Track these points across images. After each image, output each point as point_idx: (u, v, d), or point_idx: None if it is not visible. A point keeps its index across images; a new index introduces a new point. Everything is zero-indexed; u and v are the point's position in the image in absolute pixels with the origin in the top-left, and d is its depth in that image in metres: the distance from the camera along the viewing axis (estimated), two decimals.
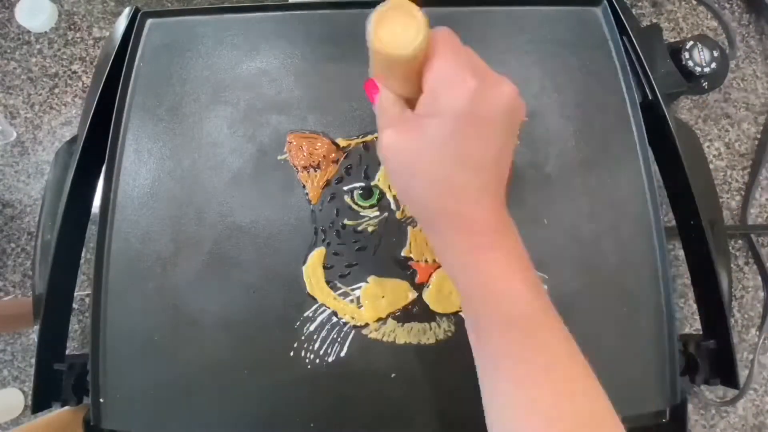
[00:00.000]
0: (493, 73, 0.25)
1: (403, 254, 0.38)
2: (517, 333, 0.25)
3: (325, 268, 0.39)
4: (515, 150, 0.25)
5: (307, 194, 0.40)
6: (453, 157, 0.24)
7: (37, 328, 0.40)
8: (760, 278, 0.54)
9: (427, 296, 0.38)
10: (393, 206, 0.39)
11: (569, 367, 0.25)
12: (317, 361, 0.38)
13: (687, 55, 0.49)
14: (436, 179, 0.24)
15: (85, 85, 0.57)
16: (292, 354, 0.38)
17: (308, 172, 0.40)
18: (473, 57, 0.26)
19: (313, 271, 0.39)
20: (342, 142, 0.41)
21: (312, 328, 0.38)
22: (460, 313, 0.38)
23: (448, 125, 0.23)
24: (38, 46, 0.58)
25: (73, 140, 0.43)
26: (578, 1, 0.45)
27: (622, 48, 0.43)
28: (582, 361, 0.26)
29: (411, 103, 0.26)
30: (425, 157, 0.24)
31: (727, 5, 0.60)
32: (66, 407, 0.40)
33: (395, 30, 0.24)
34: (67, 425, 0.39)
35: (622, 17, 0.44)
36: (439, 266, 0.38)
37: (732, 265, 0.53)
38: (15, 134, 0.56)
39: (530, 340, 0.25)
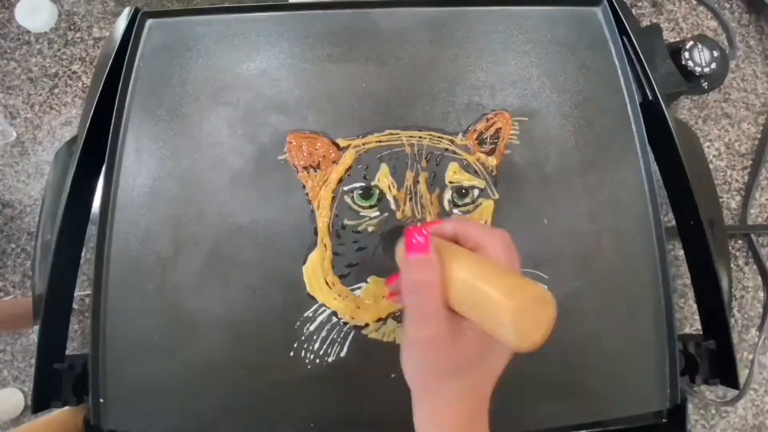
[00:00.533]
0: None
1: None
2: None
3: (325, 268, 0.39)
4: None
5: (307, 194, 0.40)
6: (486, 367, 0.26)
7: (37, 328, 0.40)
8: (760, 278, 0.54)
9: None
10: (393, 206, 0.39)
11: None
12: (317, 361, 0.38)
13: (687, 55, 0.49)
14: (466, 384, 0.26)
15: (85, 85, 0.57)
16: (292, 354, 0.38)
17: (308, 172, 0.40)
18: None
19: (313, 271, 0.39)
20: (342, 142, 0.41)
21: (312, 328, 0.38)
22: None
23: (494, 345, 0.25)
24: (38, 46, 0.58)
25: (73, 140, 0.43)
26: (578, 1, 0.45)
27: (622, 48, 0.43)
28: None
29: None
30: (469, 363, 0.26)
31: (727, 5, 0.60)
32: (66, 407, 0.40)
33: (532, 319, 0.23)
34: (67, 425, 0.39)
35: (622, 17, 0.44)
36: None
37: (732, 265, 0.53)
38: (15, 134, 0.56)
39: None
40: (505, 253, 0.26)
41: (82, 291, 0.51)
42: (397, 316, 0.38)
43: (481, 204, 0.40)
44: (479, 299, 0.24)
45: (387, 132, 0.41)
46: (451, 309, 0.25)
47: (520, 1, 0.45)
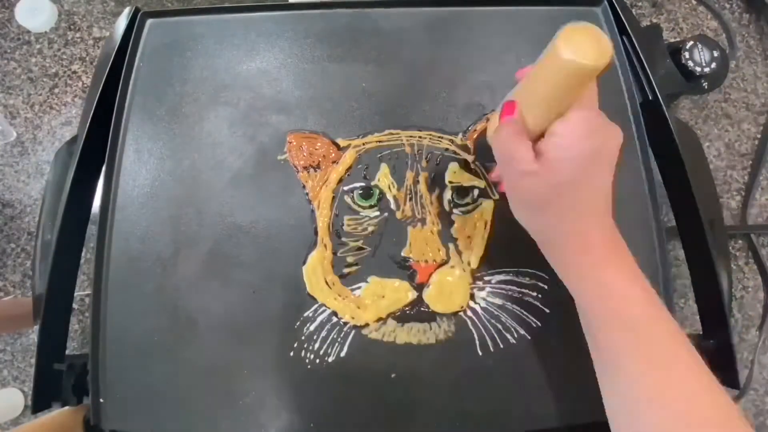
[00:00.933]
0: (607, 119, 0.29)
1: (403, 254, 0.38)
2: (638, 332, 0.28)
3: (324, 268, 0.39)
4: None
5: (307, 194, 0.40)
6: (582, 189, 0.28)
7: (37, 328, 0.40)
8: (760, 278, 0.54)
9: (427, 296, 0.38)
10: (393, 206, 0.39)
11: (689, 365, 0.27)
12: (317, 361, 0.38)
13: (687, 55, 0.49)
14: (567, 208, 0.29)
15: (85, 85, 0.57)
16: (292, 354, 0.38)
17: (308, 172, 0.40)
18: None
19: (313, 271, 0.39)
20: (342, 142, 0.41)
21: (312, 328, 0.38)
22: (460, 314, 0.38)
23: (579, 167, 0.28)
24: (38, 46, 0.58)
25: (73, 140, 0.43)
26: (578, 1, 0.45)
27: (622, 48, 0.43)
28: (698, 359, 0.27)
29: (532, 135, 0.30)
30: (558, 191, 0.28)
31: (727, 5, 0.60)
32: (66, 407, 0.40)
33: (583, 47, 0.27)
34: (66, 425, 0.39)
35: (622, 17, 0.44)
36: (439, 266, 0.38)
37: (732, 265, 0.53)
38: (15, 134, 0.56)
39: (650, 339, 0.27)
40: None
41: (82, 291, 0.51)
42: (397, 316, 0.38)
43: (481, 204, 0.40)
44: (543, 71, 0.29)
45: (387, 132, 0.41)
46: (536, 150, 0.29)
47: (520, 1, 0.45)
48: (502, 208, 0.40)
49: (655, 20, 0.59)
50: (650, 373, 0.27)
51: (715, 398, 0.26)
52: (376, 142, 0.41)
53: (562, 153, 0.28)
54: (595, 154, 0.28)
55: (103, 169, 0.41)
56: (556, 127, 0.28)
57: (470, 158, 0.41)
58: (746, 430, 0.26)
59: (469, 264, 0.39)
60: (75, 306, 0.51)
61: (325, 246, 0.39)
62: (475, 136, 0.41)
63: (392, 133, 0.41)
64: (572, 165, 0.28)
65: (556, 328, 0.38)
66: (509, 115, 0.30)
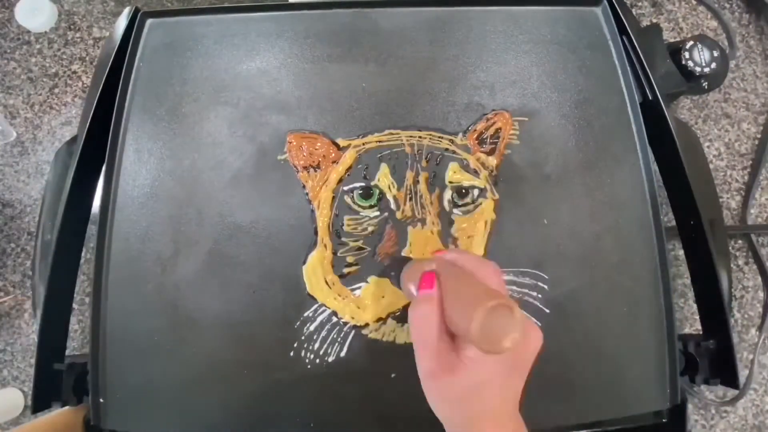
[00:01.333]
0: (530, 322, 0.28)
1: (403, 254, 0.38)
2: None
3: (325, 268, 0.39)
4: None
5: (307, 194, 0.40)
6: (495, 392, 0.27)
7: (37, 328, 0.40)
8: (760, 278, 0.54)
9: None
10: (393, 206, 0.39)
11: None
12: (317, 361, 0.38)
13: (687, 55, 0.48)
14: (475, 411, 0.27)
15: (85, 85, 0.57)
16: (292, 354, 0.38)
17: (308, 172, 0.40)
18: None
19: (313, 271, 0.39)
20: (342, 142, 0.41)
21: (312, 328, 0.38)
22: None
23: (499, 369, 0.27)
24: (38, 46, 0.58)
25: (73, 140, 0.43)
26: (578, 1, 0.45)
27: (622, 48, 0.43)
28: None
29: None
30: (469, 395, 0.27)
31: (727, 5, 0.60)
32: (66, 407, 0.40)
33: (495, 323, 0.24)
34: (66, 425, 0.39)
35: (622, 17, 0.44)
36: None
37: (732, 265, 0.53)
38: (15, 134, 0.56)
39: None
40: (494, 278, 0.28)
41: (82, 291, 0.51)
42: (397, 316, 0.38)
43: (481, 204, 0.40)
44: (463, 303, 0.26)
45: (387, 132, 0.41)
46: (452, 339, 0.27)
47: (520, 1, 0.45)
48: (502, 208, 0.40)
49: (655, 20, 0.59)
50: None
51: None
52: (376, 142, 0.41)
53: (476, 354, 0.27)
54: (516, 357, 0.27)
55: (103, 169, 0.41)
56: None
57: (470, 158, 0.41)
58: None
59: None
60: (75, 306, 0.51)
61: (325, 246, 0.39)
62: (475, 136, 0.41)
63: (392, 133, 0.41)
64: (492, 369, 0.27)
65: (556, 328, 0.39)
66: (428, 289, 0.28)
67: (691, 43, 0.49)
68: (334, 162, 0.40)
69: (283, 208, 0.40)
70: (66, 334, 0.42)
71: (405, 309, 0.38)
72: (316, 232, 0.39)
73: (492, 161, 0.41)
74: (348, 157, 0.40)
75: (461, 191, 0.40)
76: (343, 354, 0.38)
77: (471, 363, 0.27)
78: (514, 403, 0.28)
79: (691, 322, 0.53)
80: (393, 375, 0.38)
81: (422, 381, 0.28)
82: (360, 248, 0.39)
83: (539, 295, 0.39)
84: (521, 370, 0.28)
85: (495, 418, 0.28)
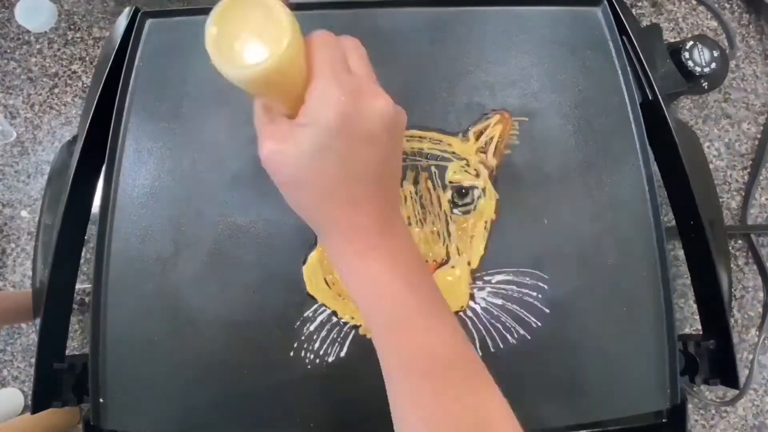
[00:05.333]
0: (371, 85, 0.26)
1: None
2: (397, 336, 0.26)
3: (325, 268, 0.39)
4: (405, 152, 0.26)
5: None
6: (332, 168, 0.24)
7: (37, 328, 0.40)
8: (760, 278, 0.54)
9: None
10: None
11: (450, 370, 0.26)
12: (317, 361, 0.38)
13: (687, 55, 0.49)
14: (319, 190, 0.25)
15: (85, 85, 0.57)
16: (292, 354, 0.38)
17: None
18: (357, 64, 0.26)
19: (313, 271, 0.39)
20: None
21: (312, 328, 0.38)
22: (460, 314, 0.38)
23: (322, 137, 0.24)
24: (38, 46, 0.58)
25: (73, 140, 0.43)
26: (578, 1, 0.45)
27: (622, 48, 0.43)
28: (468, 358, 0.26)
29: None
30: (305, 168, 0.24)
31: (727, 5, 0.60)
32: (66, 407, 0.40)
33: (248, 35, 0.20)
34: (59, 422, 0.39)
35: (622, 17, 0.44)
36: (438, 266, 0.38)
37: (732, 265, 0.53)
38: (15, 134, 0.56)
39: (409, 344, 0.25)
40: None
41: (82, 291, 0.51)
42: None
43: (481, 204, 0.40)
44: None
45: None
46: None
47: (520, 1, 0.45)
48: (502, 208, 0.40)
49: (655, 20, 0.59)
50: (413, 390, 0.26)
51: (478, 408, 0.25)
52: None
53: (302, 119, 0.24)
54: (342, 128, 0.23)
55: (103, 169, 0.41)
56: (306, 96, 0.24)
57: (471, 158, 0.41)
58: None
59: (469, 264, 0.39)
60: (75, 306, 0.51)
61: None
62: (475, 136, 0.41)
63: None
64: (314, 138, 0.23)
65: (556, 328, 0.39)
66: None
67: (691, 43, 0.49)
68: None
69: (283, 208, 0.40)
70: (66, 334, 0.42)
71: None
72: None
73: (492, 161, 0.41)
74: None
75: (461, 191, 0.40)
76: (343, 354, 0.38)
77: (302, 129, 0.24)
78: (374, 184, 0.25)
79: (691, 322, 0.53)
80: None
81: (264, 160, 0.25)
82: None
83: (539, 295, 0.39)
84: (360, 144, 0.24)
85: (348, 199, 0.25)
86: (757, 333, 0.53)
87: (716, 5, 0.59)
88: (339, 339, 0.38)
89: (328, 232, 0.27)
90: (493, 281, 0.39)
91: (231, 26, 0.21)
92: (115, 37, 0.44)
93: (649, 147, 0.42)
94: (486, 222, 0.40)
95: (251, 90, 0.25)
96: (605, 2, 0.44)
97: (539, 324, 0.38)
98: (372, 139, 0.25)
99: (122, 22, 0.44)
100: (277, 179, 0.26)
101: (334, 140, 0.24)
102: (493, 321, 0.38)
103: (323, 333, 0.38)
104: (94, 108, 0.42)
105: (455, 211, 0.40)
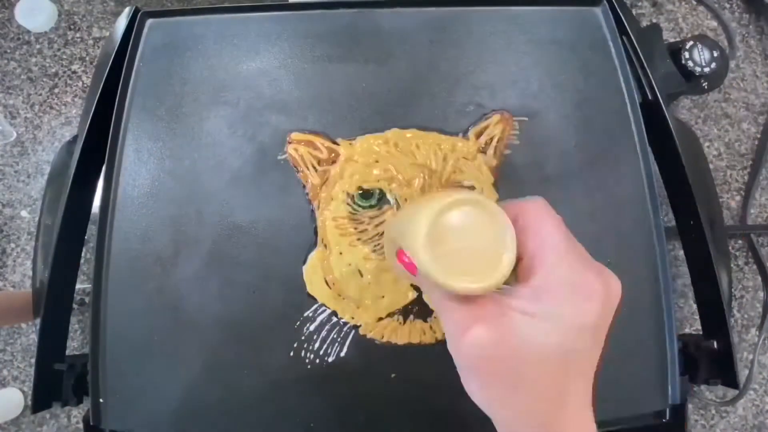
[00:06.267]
0: (596, 261, 0.21)
1: None
2: None
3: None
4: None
5: (307, 194, 0.40)
6: (572, 370, 0.20)
7: (37, 328, 0.40)
8: (760, 278, 0.54)
9: (427, 296, 0.38)
10: (393, 206, 0.39)
11: None
12: (317, 361, 0.38)
13: (687, 55, 0.48)
14: (547, 394, 0.20)
15: (85, 85, 0.57)
16: (292, 354, 0.38)
17: (308, 171, 0.40)
18: (576, 241, 0.21)
19: (313, 271, 0.39)
20: (342, 142, 0.41)
21: (312, 328, 0.38)
22: None
23: (571, 338, 0.20)
24: (38, 46, 0.58)
25: (73, 140, 0.43)
26: (578, 1, 0.45)
27: (622, 48, 0.43)
28: None
29: None
30: (536, 366, 0.20)
31: (727, 5, 0.60)
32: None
33: (463, 238, 0.18)
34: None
35: (622, 17, 0.44)
36: None
37: (732, 265, 0.53)
38: (15, 134, 0.56)
39: None
40: (546, 221, 0.21)
41: (81, 291, 0.51)
42: (397, 316, 0.38)
43: None
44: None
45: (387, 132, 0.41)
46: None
47: (520, 1, 0.45)
48: None
49: (655, 20, 0.59)
50: None
51: None
52: None
53: (534, 308, 0.20)
54: (595, 327, 0.20)
55: (103, 169, 0.41)
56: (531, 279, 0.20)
57: (470, 158, 0.41)
58: None
59: None
60: (75, 306, 0.51)
61: (326, 246, 0.39)
62: (475, 136, 0.41)
63: None
64: (559, 336, 0.19)
65: None
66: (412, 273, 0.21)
67: (691, 43, 0.49)
68: (334, 162, 0.40)
69: (283, 208, 0.40)
70: (66, 334, 0.42)
71: (405, 309, 0.38)
72: (316, 232, 0.39)
73: (492, 161, 0.41)
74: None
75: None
76: (343, 354, 0.38)
77: (539, 323, 0.19)
78: (590, 386, 0.21)
79: (691, 322, 0.53)
80: (393, 375, 0.38)
81: (454, 351, 0.20)
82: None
83: None
84: (599, 338, 0.20)
85: (574, 407, 0.20)
86: (757, 333, 0.53)
87: (716, 5, 0.59)
88: (339, 339, 0.38)
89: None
90: None
91: (443, 221, 0.19)
92: (115, 37, 0.44)
93: (649, 147, 0.42)
94: None
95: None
96: (605, 2, 0.44)
97: None
98: (605, 331, 0.20)
99: (122, 22, 0.44)
100: (486, 372, 0.21)
101: (583, 342, 0.20)
102: None
103: (323, 333, 0.38)
104: (94, 108, 0.42)
105: None
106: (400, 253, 0.22)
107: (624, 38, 0.44)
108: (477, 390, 0.21)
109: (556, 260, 0.20)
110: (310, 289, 0.39)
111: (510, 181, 0.41)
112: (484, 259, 0.19)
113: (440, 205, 0.19)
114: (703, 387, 0.50)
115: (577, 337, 0.20)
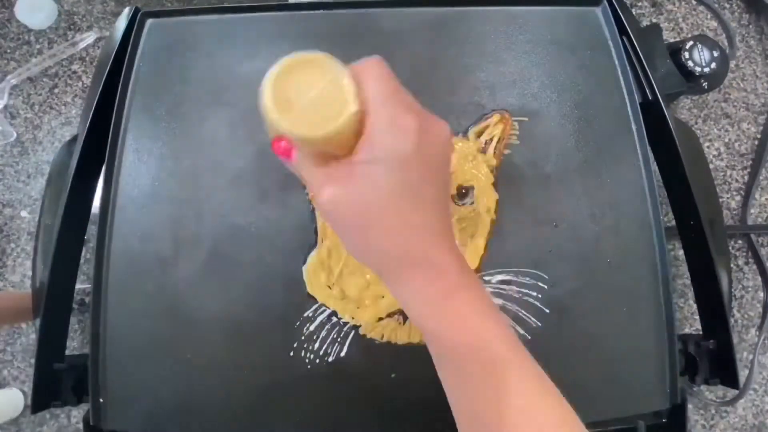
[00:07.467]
0: (423, 109, 0.24)
1: None
2: (494, 377, 0.24)
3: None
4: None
5: (307, 194, 0.40)
6: (408, 201, 0.23)
7: (37, 328, 0.40)
8: (760, 278, 0.54)
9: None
10: None
11: (545, 410, 0.25)
12: (317, 361, 0.38)
13: (687, 55, 0.48)
14: (395, 227, 0.23)
15: (85, 85, 0.57)
16: (292, 354, 0.38)
17: None
18: (405, 91, 0.24)
19: (313, 271, 0.39)
20: None
21: (312, 328, 0.38)
22: None
23: (397, 170, 0.22)
24: (38, 46, 0.58)
25: (73, 140, 0.43)
26: (578, 1, 0.45)
27: (622, 48, 0.43)
28: (557, 401, 0.26)
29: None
30: (378, 206, 0.23)
31: (727, 5, 0.60)
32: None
33: (307, 93, 0.20)
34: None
35: (622, 17, 0.44)
36: None
37: (732, 265, 0.53)
38: (15, 134, 0.56)
39: (505, 383, 0.24)
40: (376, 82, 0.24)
41: (82, 291, 0.51)
42: (398, 316, 0.38)
43: (481, 204, 0.40)
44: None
45: None
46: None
47: (520, 1, 0.45)
48: (502, 208, 0.40)
49: (655, 20, 0.59)
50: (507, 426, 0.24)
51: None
52: None
53: (366, 156, 0.22)
54: (415, 156, 0.22)
55: (103, 169, 0.41)
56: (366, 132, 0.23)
57: (470, 158, 0.41)
58: None
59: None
60: (75, 306, 0.51)
61: (326, 246, 0.39)
62: (474, 136, 0.41)
63: None
64: (387, 173, 0.22)
65: (556, 328, 0.39)
66: (287, 159, 0.25)
67: (691, 43, 0.49)
68: None
69: (283, 208, 0.40)
70: (66, 334, 0.42)
71: None
72: (316, 232, 0.39)
73: (492, 161, 0.41)
74: None
75: (461, 191, 0.40)
76: (343, 354, 0.38)
77: (371, 167, 0.22)
78: (444, 216, 0.24)
79: (691, 322, 0.53)
80: (393, 375, 0.38)
81: (320, 206, 0.23)
82: None
83: (539, 295, 0.39)
84: (431, 171, 0.23)
85: (427, 235, 0.23)
86: (757, 333, 0.53)
87: (716, 5, 0.59)
88: (339, 339, 0.38)
89: (404, 275, 0.24)
90: (493, 281, 0.39)
91: (288, 82, 0.21)
92: (115, 37, 0.44)
93: (649, 147, 0.42)
94: (486, 222, 0.40)
95: (306, 145, 0.23)
96: (605, 2, 0.44)
97: (539, 324, 0.38)
98: (441, 167, 0.24)
99: (122, 22, 0.44)
100: (344, 224, 0.24)
101: (409, 173, 0.22)
102: None
103: (323, 333, 0.38)
104: (94, 108, 0.42)
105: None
106: (275, 141, 0.24)
107: (624, 38, 0.44)
108: (345, 243, 0.25)
109: (378, 107, 0.23)
110: (310, 289, 0.39)
111: (510, 181, 0.41)
112: (329, 113, 0.21)
113: (280, 66, 0.21)
114: (703, 387, 0.50)
115: (400, 169, 0.22)
